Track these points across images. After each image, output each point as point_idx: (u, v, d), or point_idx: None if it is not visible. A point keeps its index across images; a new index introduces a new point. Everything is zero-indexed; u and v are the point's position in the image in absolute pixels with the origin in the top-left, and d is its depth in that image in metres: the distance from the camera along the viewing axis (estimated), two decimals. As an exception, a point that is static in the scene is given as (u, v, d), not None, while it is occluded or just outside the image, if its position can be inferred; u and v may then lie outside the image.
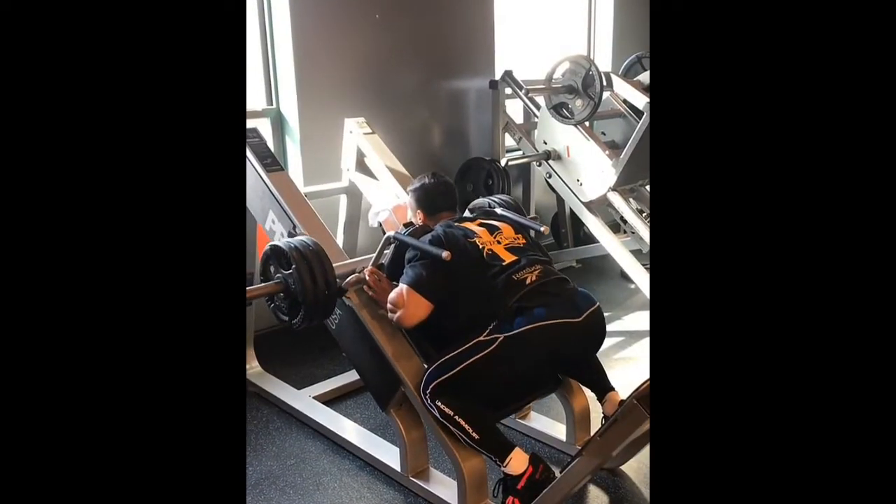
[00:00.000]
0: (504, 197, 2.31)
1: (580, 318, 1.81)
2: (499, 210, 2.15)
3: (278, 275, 1.82)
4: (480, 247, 1.89)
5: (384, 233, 2.02)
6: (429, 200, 2.14)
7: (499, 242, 1.93)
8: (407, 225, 2.14)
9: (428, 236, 1.91)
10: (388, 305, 1.89)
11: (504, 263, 1.86)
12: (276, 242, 1.85)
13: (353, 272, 2.01)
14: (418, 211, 2.16)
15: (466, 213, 2.16)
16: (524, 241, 1.99)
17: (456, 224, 1.99)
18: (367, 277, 1.98)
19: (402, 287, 1.84)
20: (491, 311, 1.79)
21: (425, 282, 1.82)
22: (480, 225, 1.99)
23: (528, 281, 1.83)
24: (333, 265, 1.84)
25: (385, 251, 2.04)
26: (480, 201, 2.28)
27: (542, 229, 2.05)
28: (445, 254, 1.77)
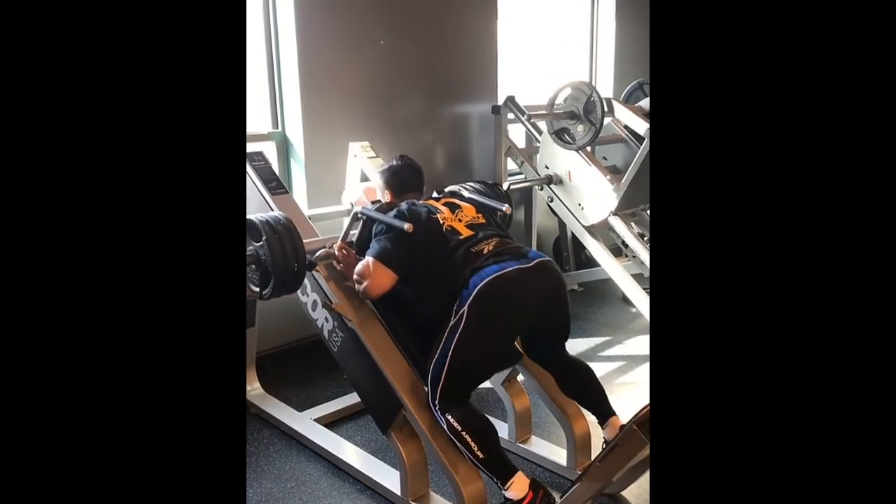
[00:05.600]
0: (476, 184, 2.42)
1: (531, 264, 1.86)
2: (465, 193, 2.26)
3: (250, 247, 1.86)
4: (441, 222, 1.97)
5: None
6: (397, 181, 2.24)
7: (459, 220, 2.01)
8: (375, 202, 2.22)
9: (393, 211, 2.00)
10: (355, 277, 1.98)
11: (461, 237, 1.94)
12: (248, 216, 1.89)
13: (324, 248, 2.11)
14: (386, 191, 2.26)
15: (434, 194, 2.23)
16: (484, 219, 2.07)
17: (420, 202, 2.08)
18: (336, 252, 2.08)
19: (368, 259, 1.94)
20: (454, 284, 1.84)
21: (390, 253, 1.91)
22: (445, 204, 2.07)
23: (484, 251, 1.90)
24: (304, 241, 1.92)
25: (352, 231, 2.14)
26: (452, 187, 2.38)
27: (504, 208, 2.13)
28: (407, 225, 1.88)
